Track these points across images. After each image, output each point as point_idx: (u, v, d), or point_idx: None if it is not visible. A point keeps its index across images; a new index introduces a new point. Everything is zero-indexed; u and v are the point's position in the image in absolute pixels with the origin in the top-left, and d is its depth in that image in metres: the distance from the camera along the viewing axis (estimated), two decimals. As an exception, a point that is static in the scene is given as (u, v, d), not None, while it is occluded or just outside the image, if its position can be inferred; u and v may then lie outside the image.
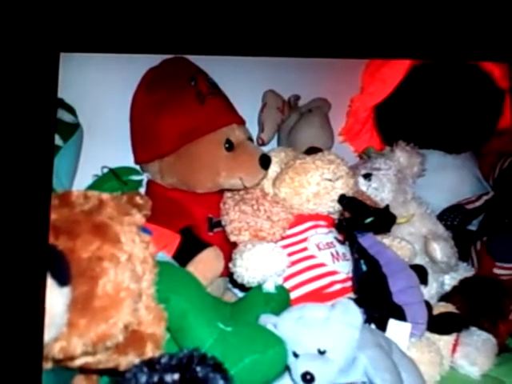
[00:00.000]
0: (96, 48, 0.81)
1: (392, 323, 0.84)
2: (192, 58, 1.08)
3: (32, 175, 0.63)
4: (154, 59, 1.13)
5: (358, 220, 0.96)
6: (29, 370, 0.58)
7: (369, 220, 0.95)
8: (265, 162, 0.95)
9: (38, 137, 0.64)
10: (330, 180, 0.97)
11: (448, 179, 1.36)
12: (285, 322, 0.72)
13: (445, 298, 1.08)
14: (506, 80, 1.31)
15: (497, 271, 1.06)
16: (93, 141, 1.13)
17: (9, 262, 0.59)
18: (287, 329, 0.71)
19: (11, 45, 0.62)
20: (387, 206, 0.98)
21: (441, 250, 1.02)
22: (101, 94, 1.18)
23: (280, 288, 0.87)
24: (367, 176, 1.15)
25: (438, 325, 0.91)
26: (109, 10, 0.76)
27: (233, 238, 0.93)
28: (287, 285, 0.92)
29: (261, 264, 0.84)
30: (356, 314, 0.71)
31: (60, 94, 0.67)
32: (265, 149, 1.12)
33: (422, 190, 1.28)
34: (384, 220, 0.98)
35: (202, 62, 1.08)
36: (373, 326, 0.85)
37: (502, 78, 1.31)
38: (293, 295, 0.91)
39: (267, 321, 0.73)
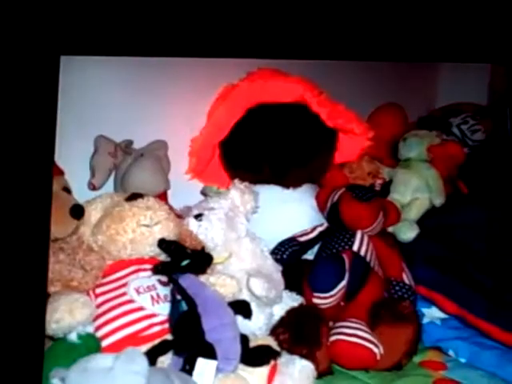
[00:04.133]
0: (96, 51, 0.81)
1: (200, 362, 0.88)
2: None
3: (32, 177, 0.63)
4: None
5: (175, 263, 1.00)
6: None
7: (185, 262, 1.00)
8: (76, 211, 0.98)
9: (39, 139, 0.64)
10: (147, 226, 1.00)
11: (287, 212, 1.44)
12: (71, 375, 0.73)
13: (273, 328, 1.12)
14: (332, 120, 1.41)
15: (315, 301, 1.12)
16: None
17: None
18: (73, 382, 0.73)
19: (12, 48, 0.62)
20: (203, 248, 1.03)
21: (258, 286, 1.07)
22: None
23: (86, 337, 0.89)
24: (198, 216, 1.20)
25: (250, 357, 0.95)
26: (109, 13, 0.77)
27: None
28: (102, 331, 0.94)
29: (62, 316, 0.86)
30: (140, 362, 0.72)
31: (60, 97, 0.67)
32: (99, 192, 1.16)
33: (262, 225, 1.34)
34: (200, 261, 1.02)
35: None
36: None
37: (329, 119, 1.40)
38: (108, 341, 0.93)
39: (55, 375, 0.75)
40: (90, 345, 0.89)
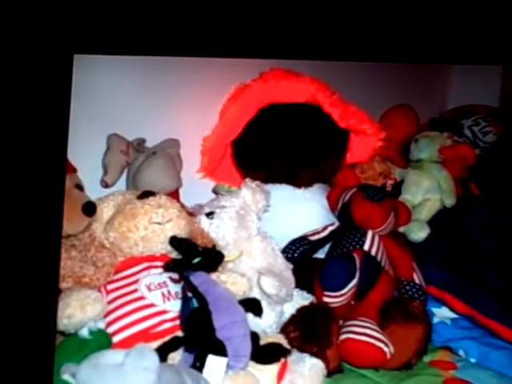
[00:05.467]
0: (109, 50, 0.82)
1: (210, 359, 0.89)
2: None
3: (45, 174, 0.64)
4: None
5: (186, 260, 1.01)
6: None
7: (196, 260, 1.01)
8: (89, 209, 0.99)
9: (52, 137, 0.65)
10: (159, 223, 1.01)
11: (298, 212, 1.44)
12: (82, 370, 0.74)
13: (283, 326, 1.13)
14: (344, 121, 1.41)
15: (326, 299, 1.12)
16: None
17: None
18: (84, 377, 0.73)
19: (26, 46, 0.62)
20: (214, 246, 1.03)
21: (269, 284, 1.07)
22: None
23: (97, 333, 0.89)
24: (209, 214, 1.20)
25: (261, 355, 0.96)
26: (122, 12, 0.77)
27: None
28: (114, 327, 0.95)
29: (74, 312, 0.86)
30: (151, 358, 0.73)
31: (73, 95, 0.68)
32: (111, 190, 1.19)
33: (274, 224, 1.35)
34: (211, 259, 1.03)
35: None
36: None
37: (341, 119, 1.41)
38: (119, 337, 0.94)
39: (66, 370, 0.75)
40: (101, 341, 0.90)
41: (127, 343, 0.91)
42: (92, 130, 1.25)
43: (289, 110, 1.40)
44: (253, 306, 1.05)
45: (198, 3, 0.84)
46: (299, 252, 1.30)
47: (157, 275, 1.03)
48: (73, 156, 0.94)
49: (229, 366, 0.89)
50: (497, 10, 0.94)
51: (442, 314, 1.27)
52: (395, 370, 1.09)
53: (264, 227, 1.29)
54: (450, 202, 1.50)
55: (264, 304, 1.08)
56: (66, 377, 0.74)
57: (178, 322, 0.98)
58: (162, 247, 1.04)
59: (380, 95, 1.89)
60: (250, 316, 1.03)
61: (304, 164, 1.43)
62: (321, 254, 1.38)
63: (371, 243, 1.25)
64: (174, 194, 1.31)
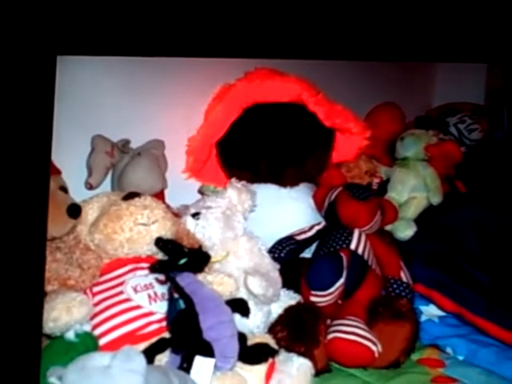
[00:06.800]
0: (93, 51, 0.81)
1: (197, 360, 0.89)
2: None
3: (29, 177, 0.63)
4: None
5: (172, 262, 1.00)
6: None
7: (182, 261, 1.00)
8: (73, 211, 0.98)
9: (36, 139, 0.64)
10: (144, 225, 1.00)
11: (285, 211, 1.44)
12: (68, 373, 0.73)
13: (271, 326, 1.12)
14: (330, 120, 1.41)
15: (313, 299, 1.12)
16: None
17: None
18: (71, 381, 0.72)
19: (8, 48, 0.61)
20: (200, 247, 1.03)
21: (256, 284, 1.07)
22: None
23: (84, 336, 0.89)
24: (195, 215, 1.20)
25: (248, 356, 0.95)
26: (105, 13, 0.76)
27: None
28: (100, 330, 0.94)
29: (59, 315, 0.86)
30: (138, 360, 0.72)
31: (57, 97, 0.67)
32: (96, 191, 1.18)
33: (260, 223, 1.34)
34: (197, 260, 1.02)
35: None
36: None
37: (326, 118, 1.41)
38: (106, 340, 0.93)
39: (53, 374, 0.74)
40: (88, 343, 0.89)
41: (114, 345, 0.91)
42: (76, 131, 1.24)
43: (274, 110, 1.41)
44: (240, 306, 1.05)
45: (182, 4, 0.84)
46: (286, 252, 1.30)
47: (143, 277, 1.02)
48: (57, 158, 0.93)
49: (216, 367, 0.89)
50: (481, 7, 0.94)
51: (429, 311, 1.27)
52: (383, 368, 1.09)
53: (250, 227, 1.28)
54: (436, 199, 1.51)
55: (251, 304, 1.08)
56: (52, 380, 0.73)
57: (164, 323, 0.97)
58: (147, 248, 1.03)
59: (365, 94, 1.89)
60: (237, 316, 1.03)
61: (289, 163, 1.43)
62: (307, 254, 1.38)
63: (358, 242, 1.25)
64: (160, 195, 1.31)
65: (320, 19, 0.94)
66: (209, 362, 0.88)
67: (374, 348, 1.03)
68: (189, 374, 0.86)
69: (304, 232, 1.37)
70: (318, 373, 1.07)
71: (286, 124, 1.40)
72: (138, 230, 1.01)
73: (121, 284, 1.01)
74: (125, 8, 0.79)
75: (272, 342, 1.04)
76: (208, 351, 0.91)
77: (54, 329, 0.86)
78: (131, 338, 0.94)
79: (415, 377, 1.07)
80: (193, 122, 1.44)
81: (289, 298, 1.20)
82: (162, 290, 1.02)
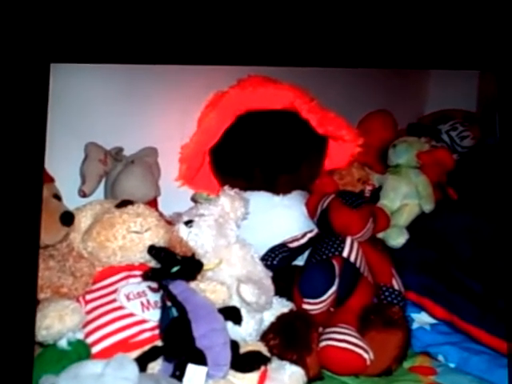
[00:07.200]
0: (86, 58, 0.80)
1: (190, 368, 0.89)
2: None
3: (22, 184, 0.64)
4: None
5: (165, 269, 1.00)
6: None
7: (175, 269, 1.00)
8: (66, 219, 0.98)
9: (29, 146, 0.65)
10: (137, 232, 1.01)
11: (277, 219, 1.44)
12: (61, 381, 0.73)
13: (263, 334, 1.13)
14: (322, 127, 1.41)
15: (305, 306, 1.12)
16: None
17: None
18: None
19: (2, 55, 0.62)
20: (193, 255, 1.03)
21: (248, 292, 1.07)
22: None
23: (76, 344, 0.88)
24: (188, 223, 1.20)
25: (241, 363, 0.95)
26: (99, 21, 0.77)
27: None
28: (92, 338, 0.94)
29: (52, 323, 0.85)
30: (131, 368, 0.73)
31: (50, 105, 0.68)
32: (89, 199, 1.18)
33: (252, 231, 1.34)
34: (190, 268, 1.03)
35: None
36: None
37: (319, 126, 1.41)
38: (98, 348, 0.93)
39: (45, 382, 0.74)
40: (80, 351, 0.89)
41: (106, 353, 0.91)
42: (69, 139, 1.24)
43: (267, 117, 1.41)
44: (232, 314, 1.05)
45: (175, 12, 0.84)
46: (278, 259, 1.30)
47: (136, 284, 1.02)
48: (50, 165, 0.93)
49: (209, 375, 0.89)
50: (473, 14, 0.95)
51: (421, 319, 1.28)
52: (375, 376, 1.09)
53: (243, 235, 1.28)
54: (428, 207, 1.51)
55: (243, 312, 1.08)
56: None
57: (157, 331, 0.97)
58: (140, 256, 1.03)
59: (358, 101, 1.90)
60: (230, 324, 1.03)
61: (282, 170, 1.43)
62: (300, 261, 1.38)
63: (350, 249, 1.26)
64: (153, 203, 1.31)
65: (313, 27, 0.95)
66: (201, 370, 0.88)
67: (365, 356, 1.04)
68: (181, 382, 0.87)
69: (297, 239, 1.37)
70: (311, 380, 1.06)
71: (278, 131, 1.41)
72: (131, 237, 1.01)
73: (114, 292, 1.01)
74: (118, 16, 0.80)
75: (264, 350, 1.04)
76: (200, 359, 0.91)
77: (47, 337, 0.86)
78: (124, 345, 0.94)
79: (407, 384, 1.06)
80: (186, 130, 1.44)
81: (281, 306, 1.20)
82: (154, 297, 1.02)
